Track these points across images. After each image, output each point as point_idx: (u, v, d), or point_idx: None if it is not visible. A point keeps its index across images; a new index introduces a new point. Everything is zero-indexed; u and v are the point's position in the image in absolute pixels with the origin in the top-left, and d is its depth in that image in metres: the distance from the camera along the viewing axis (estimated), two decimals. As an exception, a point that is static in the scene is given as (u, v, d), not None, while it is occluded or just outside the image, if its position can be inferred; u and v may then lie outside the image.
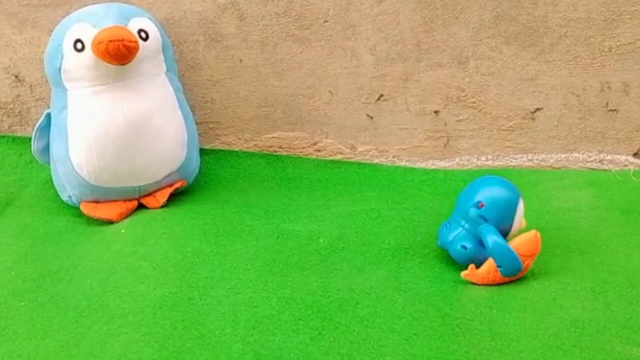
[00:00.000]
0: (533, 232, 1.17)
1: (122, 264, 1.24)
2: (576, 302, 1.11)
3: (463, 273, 1.18)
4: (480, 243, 1.18)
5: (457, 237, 1.20)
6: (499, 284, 1.16)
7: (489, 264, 1.16)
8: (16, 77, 1.67)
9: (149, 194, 1.48)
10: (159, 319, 1.08)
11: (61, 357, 1.02)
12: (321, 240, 1.33)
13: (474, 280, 1.17)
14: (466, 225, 1.19)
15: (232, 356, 1.01)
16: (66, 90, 1.40)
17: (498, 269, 1.15)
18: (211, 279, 1.19)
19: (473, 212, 1.18)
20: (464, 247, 1.19)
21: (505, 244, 1.15)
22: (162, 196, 1.47)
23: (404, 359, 1.00)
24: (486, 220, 1.17)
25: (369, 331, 1.05)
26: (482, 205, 1.17)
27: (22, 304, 1.16)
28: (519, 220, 1.19)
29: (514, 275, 1.16)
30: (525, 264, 1.15)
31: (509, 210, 1.18)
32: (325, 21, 1.56)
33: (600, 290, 1.14)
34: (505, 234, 1.18)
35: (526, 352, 1.01)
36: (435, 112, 1.61)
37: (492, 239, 1.15)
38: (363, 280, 1.19)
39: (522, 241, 1.16)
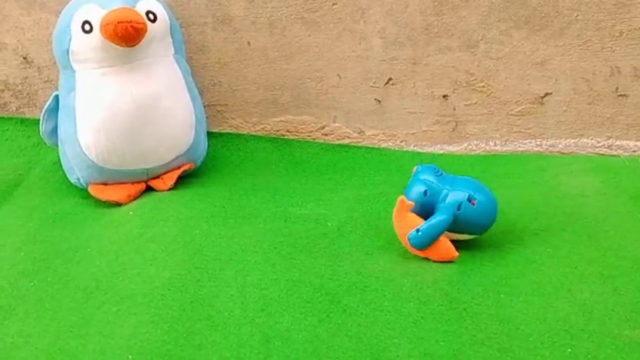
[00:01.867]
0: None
1: (131, 245, 1.25)
2: (584, 287, 1.11)
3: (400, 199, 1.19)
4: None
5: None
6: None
7: (413, 222, 1.18)
8: (24, 58, 1.67)
9: (157, 177, 1.48)
10: (168, 300, 1.08)
11: (71, 336, 1.03)
12: (329, 224, 1.33)
13: (395, 213, 1.20)
14: (447, 190, 1.20)
15: (241, 337, 1.01)
16: (74, 71, 1.40)
17: (412, 229, 1.18)
18: (219, 261, 1.19)
19: (461, 196, 1.18)
20: (425, 193, 1.20)
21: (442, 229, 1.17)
22: (170, 179, 1.48)
23: (411, 341, 1.00)
24: (458, 210, 1.18)
25: (376, 314, 1.06)
26: (473, 203, 1.18)
27: (32, 284, 1.17)
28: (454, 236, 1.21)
29: (411, 243, 1.19)
30: (422, 251, 1.19)
31: (481, 226, 1.21)
32: (334, 4, 1.55)
33: (608, 274, 1.14)
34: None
35: (534, 335, 1.01)
36: (444, 96, 1.60)
37: (442, 217, 1.17)
38: (371, 264, 1.19)
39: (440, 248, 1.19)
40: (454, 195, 1.19)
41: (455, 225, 1.19)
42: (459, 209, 1.18)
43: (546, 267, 1.17)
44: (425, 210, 1.20)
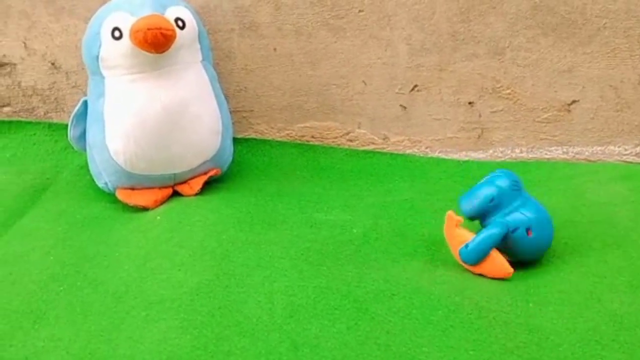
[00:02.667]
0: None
1: (159, 250, 1.25)
2: (614, 296, 1.10)
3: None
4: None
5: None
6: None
7: (463, 237, 1.17)
8: (52, 64, 1.69)
9: (184, 182, 1.49)
10: (197, 305, 1.09)
11: (101, 340, 1.04)
12: (354, 231, 1.34)
13: (445, 228, 1.19)
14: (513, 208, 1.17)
15: (270, 344, 1.01)
16: (103, 78, 1.42)
17: (462, 245, 1.17)
18: (247, 267, 1.19)
19: (523, 221, 1.16)
20: (492, 200, 1.17)
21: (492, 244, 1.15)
22: (197, 184, 1.48)
23: (440, 350, 1.00)
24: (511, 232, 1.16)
25: (405, 322, 1.05)
26: (530, 234, 1.16)
27: (62, 288, 1.18)
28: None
29: (462, 259, 1.18)
30: (475, 267, 1.17)
31: (522, 257, 1.19)
32: (360, 10, 1.55)
33: (638, 284, 1.13)
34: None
35: (564, 345, 1.00)
36: (470, 103, 1.60)
37: (492, 232, 1.15)
38: (398, 271, 1.19)
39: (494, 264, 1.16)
40: (516, 216, 1.16)
41: (501, 245, 1.16)
42: (513, 231, 1.16)
43: (575, 277, 1.16)
44: (481, 216, 1.18)
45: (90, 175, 1.53)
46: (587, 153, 1.59)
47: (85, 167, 1.56)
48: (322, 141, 1.69)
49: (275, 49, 1.61)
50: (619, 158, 1.58)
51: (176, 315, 1.07)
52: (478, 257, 1.16)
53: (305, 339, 1.02)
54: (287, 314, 1.07)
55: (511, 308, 1.09)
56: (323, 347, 1.01)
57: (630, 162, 1.58)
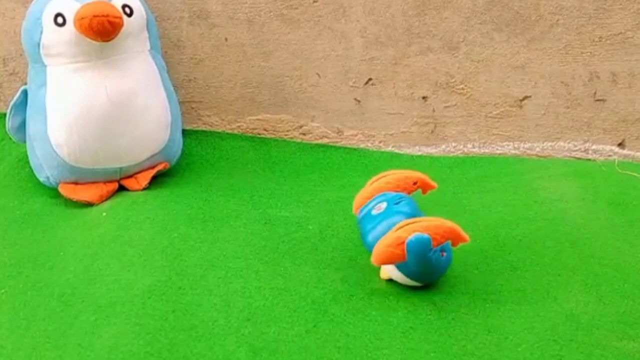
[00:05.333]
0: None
1: (106, 249, 1.20)
2: (570, 295, 1.11)
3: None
4: None
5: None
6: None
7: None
8: (-12, 49, 1.59)
9: (130, 176, 1.44)
10: (149, 309, 1.04)
11: (48, 348, 0.98)
12: (310, 227, 1.31)
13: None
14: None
15: (227, 348, 0.98)
16: (45, 66, 1.34)
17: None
18: (200, 267, 1.15)
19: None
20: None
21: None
22: (144, 178, 1.43)
23: (401, 352, 0.99)
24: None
25: (364, 324, 1.04)
26: (443, 254, 1.09)
27: (2, 291, 1.12)
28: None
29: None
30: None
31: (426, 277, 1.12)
32: (314, 1, 1.52)
33: (592, 283, 1.15)
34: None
35: (523, 345, 1.00)
36: (424, 97, 1.59)
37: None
38: (356, 271, 1.17)
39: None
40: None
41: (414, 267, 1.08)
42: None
43: (530, 275, 1.17)
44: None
45: (30, 168, 1.45)
46: (537, 149, 1.61)
47: (24, 159, 1.48)
48: (274, 134, 1.65)
49: (226, 39, 1.56)
50: (568, 154, 1.61)
51: (127, 319, 1.02)
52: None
53: (263, 342, 0.99)
54: (244, 317, 1.04)
55: (469, 308, 1.09)
56: (282, 351, 0.98)
57: (579, 158, 1.60)
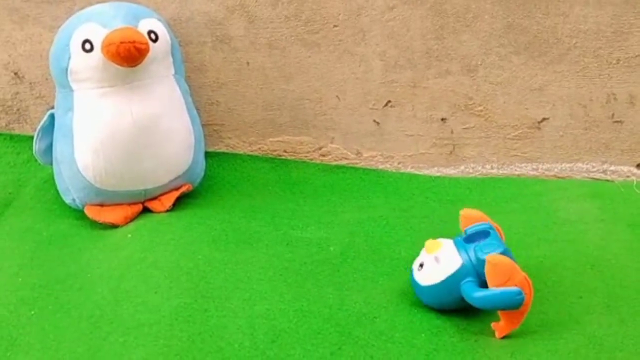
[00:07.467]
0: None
1: (133, 271, 1.22)
2: (592, 318, 1.12)
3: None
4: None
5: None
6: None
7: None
8: (15, 74, 1.63)
9: (155, 198, 1.46)
10: (176, 331, 1.06)
11: (78, 370, 1.00)
12: (332, 249, 1.33)
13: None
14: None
15: (253, 371, 1.00)
16: (72, 91, 1.37)
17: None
18: (225, 289, 1.17)
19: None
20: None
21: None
22: (168, 200, 1.45)
23: (425, 375, 1.00)
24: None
25: (388, 346, 1.05)
26: None
27: (33, 312, 1.14)
28: None
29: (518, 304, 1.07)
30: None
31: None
32: (335, 26, 1.54)
33: (614, 305, 1.15)
34: None
35: (546, 369, 1.01)
36: (442, 119, 1.61)
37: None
38: (378, 293, 1.18)
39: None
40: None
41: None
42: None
43: (552, 297, 1.18)
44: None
45: (56, 190, 1.48)
46: (556, 170, 1.62)
47: (49, 181, 1.51)
48: (294, 156, 1.67)
49: (248, 63, 1.59)
50: (586, 175, 1.61)
51: (155, 341, 1.04)
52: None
53: (289, 365, 1.01)
54: (269, 339, 1.06)
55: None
56: (308, 373, 1.00)
57: (598, 179, 1.61)
